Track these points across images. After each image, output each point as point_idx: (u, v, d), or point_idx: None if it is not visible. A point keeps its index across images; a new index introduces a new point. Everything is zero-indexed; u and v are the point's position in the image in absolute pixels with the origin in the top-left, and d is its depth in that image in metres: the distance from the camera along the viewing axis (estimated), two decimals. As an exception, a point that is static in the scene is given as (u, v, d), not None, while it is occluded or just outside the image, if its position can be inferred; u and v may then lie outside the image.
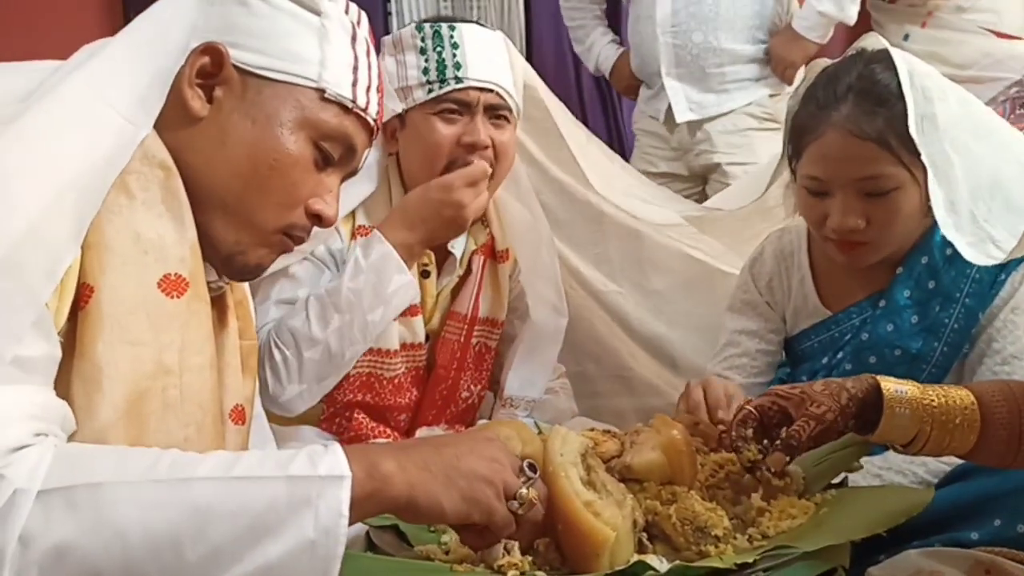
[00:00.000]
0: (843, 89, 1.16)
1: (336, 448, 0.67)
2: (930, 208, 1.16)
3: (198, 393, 0.78)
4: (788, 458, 0.93)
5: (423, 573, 0.80)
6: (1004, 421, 0.89)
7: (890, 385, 0.91)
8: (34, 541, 0.58)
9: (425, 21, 1.37)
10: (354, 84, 0.85)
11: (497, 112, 1.37)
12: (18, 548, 0.58)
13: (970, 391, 0.91)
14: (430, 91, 1.33)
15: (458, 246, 1.46)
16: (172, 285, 0.76)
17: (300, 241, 0.88)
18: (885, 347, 1.23)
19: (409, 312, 1.41)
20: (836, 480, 1.00)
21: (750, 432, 0.95)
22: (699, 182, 2.36)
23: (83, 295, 0.70)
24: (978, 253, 1.02)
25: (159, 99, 0.76)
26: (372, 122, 0.89)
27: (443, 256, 1.46)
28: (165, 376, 0.74)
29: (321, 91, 0.83)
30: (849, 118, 1.14)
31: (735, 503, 0.93)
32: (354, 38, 0.86)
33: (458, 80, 1.33)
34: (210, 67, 0.80)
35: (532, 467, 0.80)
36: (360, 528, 0.93)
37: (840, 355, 1.28)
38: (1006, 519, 1.00)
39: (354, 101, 0.85)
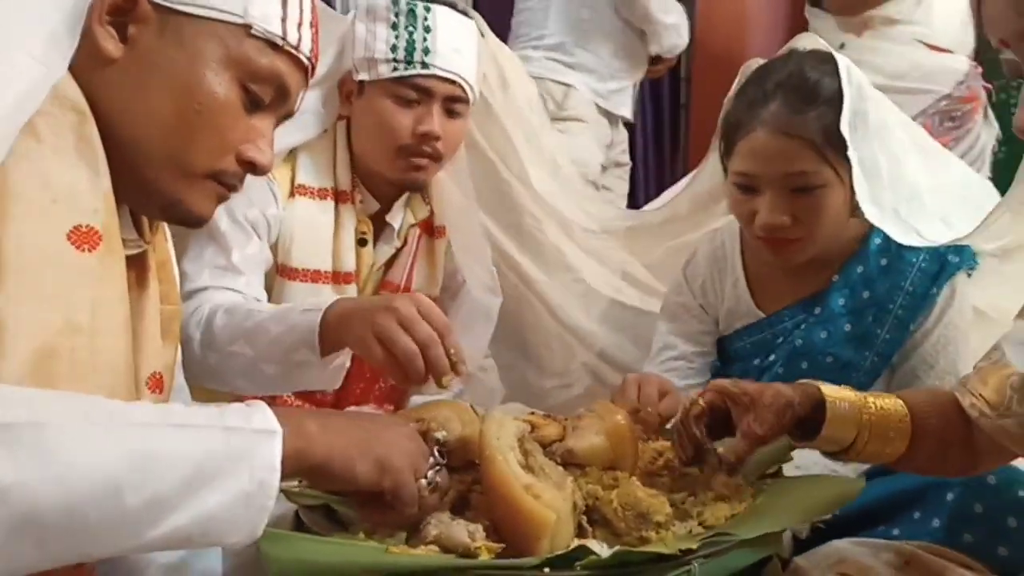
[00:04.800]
0: (772, 87, 1.18)
1: (263, 406, 0.67)
2: (856, 209, 1.21)
3: (111, 356, 0.72)
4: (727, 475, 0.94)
5: (359, 553, 0.76)
6: (933, 431, 0.92)
7: (833, 396, 0.91)
8: None
9: None
10: (283, 19, 0.79)
11: (454, 103, 1.35)
12: None
13: (903, 400, 0.93)
14: (395, 69, 1.31)
15: (396, 218, 1.44)
16: (83, 237, 0.69)
17: (234, 189, 0.82)
18: (818, 354, 1.25)
19: (343, 279, 1.38)
20: (771, 470, 1.00)
21: (703, 430, 0.94)
22: None
23: None
24: (905, 238, 1.12)
25: (71, 38, 0.70)
26: (306, 60, 0.83)
27: (381, 226, 1.44)
28: (74, 335, 0.68)
29: (247, 27, 0.76)
30: (777, 115, 1.15)
31: (672, 491, 0.92)
32: None
33: (424, 66, 1.31)
34: (122, 3, 0.73)
35: (441, 453, 0.81)
36: (288, 507, 0.89)
37: (772, 358, 1.30)
38: (924, 513, 1.04)
39: (284, 37, 0.79)
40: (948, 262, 1.20)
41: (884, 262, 1.23)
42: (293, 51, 0.80)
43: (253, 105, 0.80)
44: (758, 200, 1.18)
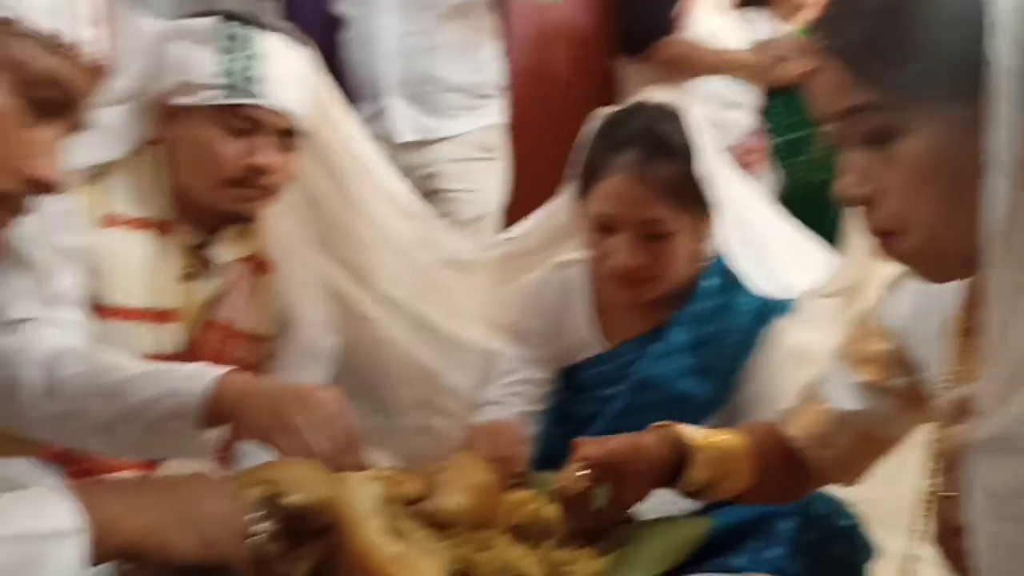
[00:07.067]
0: (627, 135, 1.24)
1: (63, 494, 0.61)
2: (699, 253, 1.28)
3: None
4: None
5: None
6: (770, 464, 0.98)
7: (695, 443, 0.94)
8: None
9: (230, 16, 1.23)
10: (56, 14, 0.68)
11: (286, 135, 1.28)
12: None
13: (745, 436, 0.99)
14: (222, 96, 1.21)
15: (222, 252, 1.33)
16: None
17: (17, 212, 0.71)
18: (660, 386, 1.30)
19: (163, 318, 1.26)
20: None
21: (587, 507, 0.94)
22: None
23: None
24: (761, 285, 1.19)
25: None
26: (91, 62, 0.72)
27: (205, 260, 1.32)
28: None
29: (7, 23, 0.66)
30: (635, 163, 1.21)
31: (539, 543, 0.91)
32: None
33: (252, 96, 1.22)
34: None
35: (268, 501, 0.77)
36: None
37: (616, 390, 1.33)
38: (763, 543, 1.10)
39: (57, 35, 0.68)
40: (772, 304, 1.29)
41: (718, 302, 1.31)
42: (70, 50, 0.69)
43: (33, 114, 0.69)
44: (613, 241, 1.23)
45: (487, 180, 2.43)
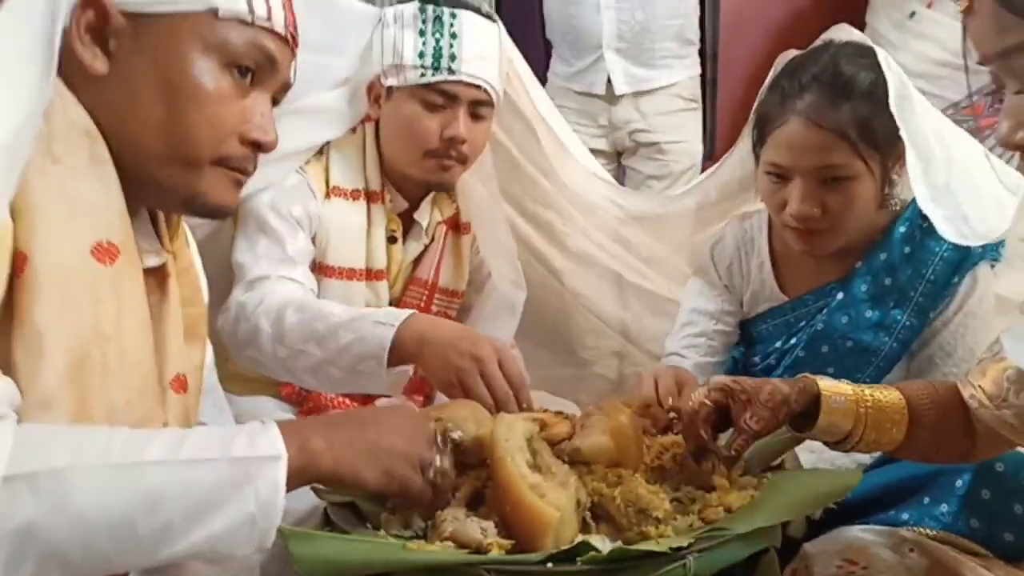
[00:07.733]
0: (807, 79, 1.18)
1: (273, 428, 0.73)
2: (885, 200, 1.22)
3: (136, 359, 0.77)
4: (725, 468, 0.98)
5: (378, 550, 0.83)
6: (929, 422, 0.95)
7: (830, 391, 0.94)
8: (1, 524, 0.61)
9: (429, 1, 1.37)
10: None
11: (479, 106, 1.40)
12: None
13: (901, 393, 0.96)
14: (422, 75, 1.35)
15: (424, 216, 1.49)
16: (104, 252, 0.74)
17: (246, 172, 0.85)
18: (839, 338, 1.27)
19: (375, 276, 1.45)
20: (774, 463, 1.04)
21: (708, 432, 0.97)
22: (615, 159, 2.50)
23: (18, 263, 0.68)
24: (952, 228, 1.08)
25: (49, 62, 0.71)
26: (282, 30, 0.83)
27: (409, 223, 1.49)
28: (103, 342, 0.73)
29: (214, 12, 0.78)
30: (811, 108, 1.17)
31: (677, 487, 0.96)
32: None
33: (451, 71, 1.35)
34: (96, 21, 0.75)
35: (444, 440, 0.88)
36: (318, 504, 0.96)
37: (793, 340, 1.32)
38: (933, 498, 1.06)
39: (252, 14, 0.80)
40: (971, 252, 1.20)
41: (907, 250, 1.24)
42: (265, 24, 0.82)
43: (243, 85, 0.81)
44: (789, 190, 1.20)
45: (693, 130, 2.46)
